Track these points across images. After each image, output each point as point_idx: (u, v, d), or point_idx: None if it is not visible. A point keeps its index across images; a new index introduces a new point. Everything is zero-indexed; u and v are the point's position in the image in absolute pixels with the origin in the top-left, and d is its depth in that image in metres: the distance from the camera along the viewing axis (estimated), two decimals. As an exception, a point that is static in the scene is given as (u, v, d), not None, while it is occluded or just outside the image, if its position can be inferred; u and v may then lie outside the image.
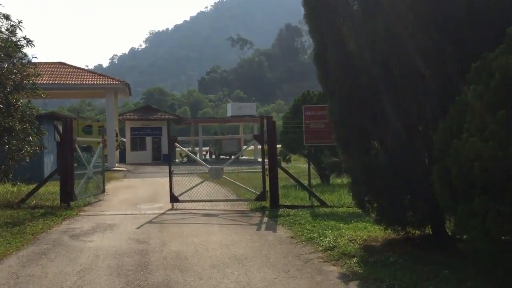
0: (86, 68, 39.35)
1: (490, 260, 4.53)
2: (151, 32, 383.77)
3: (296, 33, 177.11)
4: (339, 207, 11.29)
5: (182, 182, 12.77)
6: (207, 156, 43.66)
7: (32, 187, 14.08)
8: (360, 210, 9.90)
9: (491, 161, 4.13)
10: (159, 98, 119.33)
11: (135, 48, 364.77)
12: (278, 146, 15.15)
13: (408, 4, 6.36)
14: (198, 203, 12.15)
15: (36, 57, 11.44)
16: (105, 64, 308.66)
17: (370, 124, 7.21)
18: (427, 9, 6.20)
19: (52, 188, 14.25)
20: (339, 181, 18.39)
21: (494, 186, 4.29)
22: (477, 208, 4.35)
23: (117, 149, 32.65)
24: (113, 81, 29.70)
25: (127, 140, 39.86)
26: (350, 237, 7.86)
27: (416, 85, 6.94)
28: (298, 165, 23.97)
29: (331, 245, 7.42)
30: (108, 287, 5.62)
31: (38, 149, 11.40)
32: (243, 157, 37.81)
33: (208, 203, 12.16)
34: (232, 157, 39.91)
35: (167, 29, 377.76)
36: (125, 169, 29.32)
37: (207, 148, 47.24)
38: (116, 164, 30.41)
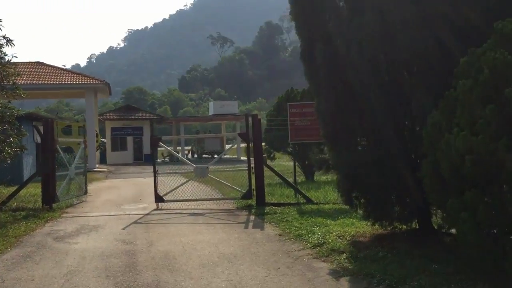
0: (63, 67, 38.67)
1: (480, 253, 4.57)
2: (130, 30, 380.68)
3: (276, 31, 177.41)
4: (325, 204, 11.32)
5: (166, 182, 12.68)
6: (189, 156, 43.44)
7: (12, 189, 13.81)
8: (346, 207, 9.98)
9: (481, 155, 4.16)
10: (139, 98, 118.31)
11: (113, 47, 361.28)
12: (262, 144, 15.11)
13: (395, 0, 6.38)
14: (184, 202, 12.06)
15: (16, 57, 11.21)
16: (83, 63, 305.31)
17: (358, 120, 7.24)
18: (414, 5, 6.23)
19: (33, 190, 13.98)
20: (323, 178, 18.46)
21: (485, 180, 4.33)
22: (468, 201, 4.39)
23: (97, 150, 32.24)
24: (93, 81, 29.33)
25: (107, 140, 39.40)
26: (338, 233, 7.87)
27: (403, 81, 6.99)
28: (281, 162, 23.99)
29: (319, 241, 7.42)
30: (97, 289, 5.52)
31: (18, 150, 11.15)
32: (226, 156, 37.69)
33: (194, 202, 12.08)
34: (215, 156, 40.09)
35: (146, 27, 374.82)
36: (106, 170, 29.00)
37: (189, 148, 47.02)
38: (97, 165, 30.06)
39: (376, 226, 7.58)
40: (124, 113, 40.85)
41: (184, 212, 11.28)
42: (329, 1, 7.44)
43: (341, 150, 7.47)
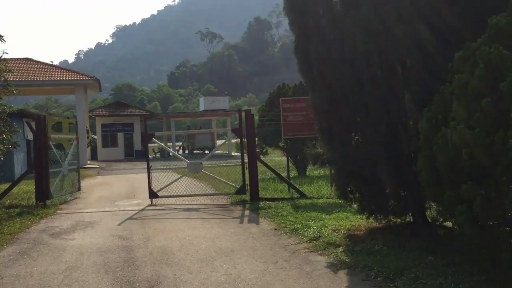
0: (52, 64, 38.35)
1: (476, 244, 4.67)
2: (118, 26, 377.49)
3: (265, 26, 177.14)
4: (319, 198, 11.40)
5: (159, 178, 12.69)
6: (180, 151, 43.37)
7: (3, 186, 13.75)
8: (340, 201, 10.06)
9: (478, 148, 4.25)
10: (128, 94, 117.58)
11: (101, 43, 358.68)
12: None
13: (389, -5, 6.45)
14: (178, 198, 12.07)
15: (7, 53, 11.12)
16: (71, 59, 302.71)
17: (352, 115, 7.31)
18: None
19: (26, 187, 13.92)
20: (316, 172, 18.56)
21: (481, 172, 4.42)
22: (464, 194, 4.47)
23: (88, 146, 32.09)
24: (83, 77, 29.15)
25: (98, 136, 39.21)
26: (334, 227, 7.95)
27: (397, 75, 7.08)
28: (273, 158, 24.03)
29: (315, 235, 7.49)
30: (97, 284, 5.54)
31: (11, 147, 11.09)
32: (218, 152, 37.66)
33: (188, 198, 12.10)
34: (206, 151, 40.07)
35: (134, 23, 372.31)
36: (97, 166, 28.89)
37: (179, 144, 46.93)
38: (88, 161, 29.92)
39: (371, 219, 7.67)
40: (114, 109, 40.69)
41: (179, 207, 11.31)
42: (323, -5, 7.47)
43: (336, 145, 7.54)
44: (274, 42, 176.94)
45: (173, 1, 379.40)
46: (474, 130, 4.29)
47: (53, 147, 12.85)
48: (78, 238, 8.20)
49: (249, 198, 11.59)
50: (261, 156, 18.76)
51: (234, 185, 12.24)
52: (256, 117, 21.97)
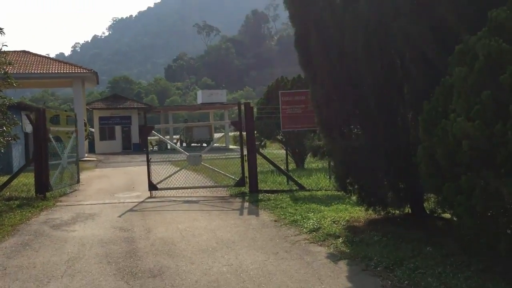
0: (50, 57, 38.23)
1: (475, 234, 4.74)
2: (115, 19, 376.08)
3: (262, 19, 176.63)
4: (318, 191, 11.47)
5: (157, 170, 12.74)
6: (178, 144, 43.39)
7: (2, 179, 13.78)
8: (339, 193, 10.20)
9: (478, 140, 4.31)
10: (125, 87, 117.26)
11: (98, 35, 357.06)
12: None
13: (390, -11, 6.48)
14: (177, 190, 12.13)
15: (6, 45, 11.09)
16: (67, 52, 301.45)
17: (352, 107, 7.37)
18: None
19: (25, 180, 13.93)
20: (314, 165, 18.64)
21: (480, 164, 4.49)
22: (464, 185, 4.54)
23: (86, 139, 32.08)
24: (80, 70, 29.10)
25: (95, 129, 39.20)
26: (333, 218, 8.03)
27: (396, 68, 7.13)
28: (271, 151, 24.10)
29: (315, 227, 7.56)
30: (100, 275, 5.60)
31: (11, 139, 11.11)
32: (215, 145, 37.71)
33: (187, 190, 12.16)
34: (204, 144, 40.08)
35: (131, 16, 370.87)
36: (95, 159, 28.91)
37: (177, 137, 46.95)
38: (86, 154, 29.93)
39: (370, 211, 7.75)
40: (112, 102, 40.64)
41: (178, 199, 11.36)
42: (323, -11, 7.49)
43: (336, 137, 7.60)
44: (271, 35, 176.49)
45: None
46: (474, 122, 4.36)
47: (52, 139, 12.87)
48: (79, 230, 8.25)
49: (248, 190, 11.66)
50: (260, 149, 18.82)
51: (233, 177, 12.30)
52: (254, 110, 22.07)
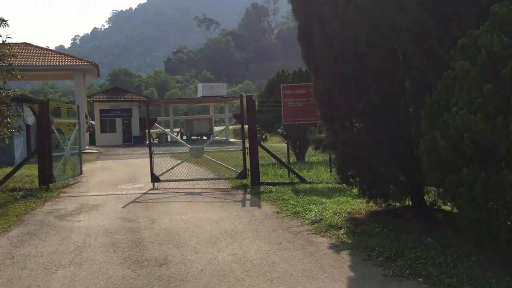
0: (51, 49, 38.18)
1: (476, 226, 4.84)
2: (114, 11, 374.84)
3: (262, 13, 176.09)
4: (319, 183, 11.57)
5: (159, 163, 12.85)
6: (177, 137, 43.44)
7: (4, 170, 13.90)
8: (339, 185, 10.30)
9: (479, 133, 4.41)
10: (125, 80, 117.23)
11: (97, 28, 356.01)
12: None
13: (393, -17, 6.55)
14: (179, 182, 12.25)
15: (10, 37, 11.14)
16: (67, 45, 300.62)
17: (355, 101, 7.45)
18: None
19: (27, 171, 14.02)
20: (314, 158, 18.75)
21: (482, 156, 4.58)
22: (465, 177, 4.64)
23: (87, 131, 32.17)
24: (82, 62, 29.12)
25: (96, 122, 39.28)
26: (334, 210, 8.13)
27: (398, 62, 7.21)
28: (271, 144, 24.21)
29: (317, 218, 7.67)
30: (107, 263, 5.71)
31: (14, 131, 11.20)
32: (215, 137, 37.80)
33: (189, 183, 12.27)
34: (204, 137, 40.15)
35: (131, 8, 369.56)
36: (96, 151, 29.01)
37: (177, 129, 47.02)
38: (87, 147, 30.01)
39: (371, 203, 7.86)
40: (112, 95, 40.71)
41: (181, 191, 11.48)
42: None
43: (338, 130, 7.69)
44: (271, 28, 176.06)
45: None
46: (476, 115, 4.45)
47: (56, 131, 12.95)
48: (84, 220, 8.35)
49: (250, 183, 11.76)
50: (261, 142, 18.92)
51: (235, 170, 12.40)
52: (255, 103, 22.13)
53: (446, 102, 5.06)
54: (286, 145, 16.87)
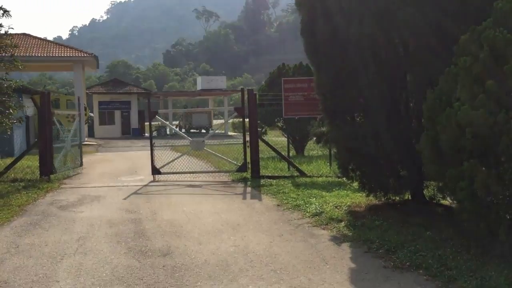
0: (50, 40, 38.11)
1: (475, 219, 4.93)
2: (113, 2, 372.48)
3: (262, 6, 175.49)
4: (318, 177, 11.64)
5: (159, 155, 12.90)
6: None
7: (6, 161, 13.94)
8: (339, 179, 10.39)
9: (481, 128, 4.48)
10: (123, 72, 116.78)
11: (96, 19, 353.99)
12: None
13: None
14: (179, 175, 12.31)
15: (12, 28, 11.13)
16: (65, 36, 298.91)
17: (357, 95, 7.51)
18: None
19: (28, 162, 14.02)
20: (314, 152, 18.82)
21: (482, 151, 4.66)
22: (466, 171, 4.72)
23: (86, 123, 32.18)
24: (81, 54, 29.08)
25: (95, 114, 39.28)
26: (335, 203, 8.21)
27: (400, 57, 7.26)
28: (271, 138, 24.25)
29: (317, 211, 7.75)
30: (111, 253, 5.78)
31: (16, 122, 11.24)
32: (211, 131, 37.86)
33: (190, 175, 12.34)
34: (203, 131, 40.20)
35: (129, 0, 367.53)
36: (95, 143, 29.04)
37: (176, 122, 47.04)
38: (86, 138, 30.02)
39: (371, 197, 7.94)
40: (111, 87, 40.69)
41: (181, 184, 11.55)
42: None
43: (340, 124, 7.76)
44: (270, 22, 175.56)
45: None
46: (478, 110, 4.52)
47: (57, 123, 12.99)
48: (86, 211, 8.42)
49: (250, 176, 11.82)
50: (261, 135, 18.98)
51: (235, 163, 12.47)
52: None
53: (448, 97, 5.12)
54: (285, 138, 16.94)
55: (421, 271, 4.85)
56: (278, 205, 8.59)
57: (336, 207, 7.99)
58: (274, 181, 11.14)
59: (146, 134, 39.82)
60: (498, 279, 4.38)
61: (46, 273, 5.09)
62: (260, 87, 23.01)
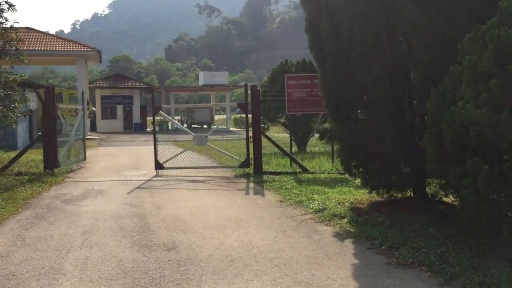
0: (54, 34, 38.12)
1: (478, 216, 4.98)
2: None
3: (264, 1, 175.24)
4: (321, 173, 11.69)
5: (162, 150, 12.93)
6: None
7: (7, 154, 14.01)
8: (341, 176, 10.46)
9: (485, 126, 4.53)
10: (125, 66, 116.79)
11: (98, 13, 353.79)
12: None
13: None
14: (182, 170, 12.37)
15: (17, 22, 11.19)
16: (67, 30, 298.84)
17: (361, 92, 7.55)
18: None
19: (31, 156, 14.14)
20: (316, 149, 18.87)
21: (486, 149, 4.71)
22: (469, 169, 4.76)
23: (88, 118, 32.24)
24: (84, 48, 29.10)
25: (97, 108, 39.34)
26: (337, 200, 8.26)
27: (404, 55, 7.30)
28: (272, 134, 24.32)
29: (320, 207, 7.80)
30: (116, 247, 5.84)
31: (20, 115, 11.30)
32: (214, 126, 37.94)
33: (192, 170, 12.39)
34: (205, 126, 40.28)
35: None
36: (97, 137, 29.12)
37: (178, 117, 47.11)
38: (88, 133, 30.08)
39: (373, 194, 7.99)
40: (114, 81, 40.74)
41: (184, 179, 11.60)
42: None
43: (343, 121, 7.80)
44: (272, 17, 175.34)
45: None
46: (482, 109, 4.57)
47: (61, 116, 13.05)
48: (91, 205, 8.48)
49: (253, 172, 11.88)
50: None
51: (238, 158, 12.52)
52: (257, 93, 22.19)
53: (452, 95, 5.17)
54: (287, 135, 17.01)
55: (423, 267, 4.90)
56: (281, 201, 8.64)
57: (338, 203, 8.04)
58: (277, 177, 11.20)
59: (147, 129, 39.92)
60: (500, 276, 4.43)
61: (52, 266, 5.16)
62: (263, 83, 23.05)
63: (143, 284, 4.60)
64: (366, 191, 8.16)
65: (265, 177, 11.25)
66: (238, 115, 34.32)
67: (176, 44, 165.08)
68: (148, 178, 11.72)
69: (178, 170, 12.32)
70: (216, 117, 49.63)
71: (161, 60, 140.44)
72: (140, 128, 38.84)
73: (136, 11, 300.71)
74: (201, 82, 46.10)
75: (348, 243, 5.94)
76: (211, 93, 49.56)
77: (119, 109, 39.45)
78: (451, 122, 4.95)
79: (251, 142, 12.05)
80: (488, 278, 4.42)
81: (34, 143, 12.96)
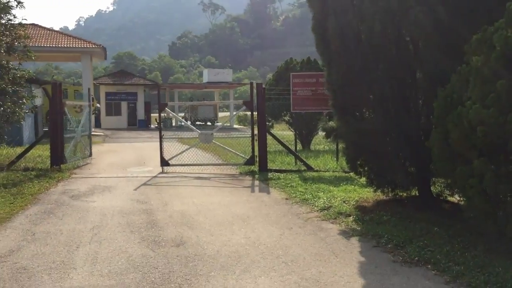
0: (59, 30, 38.22)
1: (484, 216, 5.04)
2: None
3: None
4: (325, 172, 11.75)
5: (167, 147, 12.99)
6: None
7: (14, 150, 14.11)
8: (346, 174, 10.52)
9: (492, 126, 4.58)
10: (129, 63, 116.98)
11: (102, 10, 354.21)
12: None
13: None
14: (187, 167, 12.42)
15: (25, 19, 11.26)
16: (71, 26, 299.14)
17: (367, 91, 7.60)
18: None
19: (38, 152, 14.25)
20: (320, 147, 18.91)
21: (492, 149, 4.76)
22: (476, 169, 4.82)
23: (93, 114, 32.35)
24: (89, 44, 29.19)
25: (101, 105, 39.46)
26: (343, 198, 8.32)
27: (410, 55, 7.34)
28: (276, 132, 24.34)
29: (326, 205, 7.86)
30: (125, 242, 5.92)
31: (28, 111, 11.38)
32: (219, 124, 37.99)
33: (198, 167, 12.46)
34: (208, 123, 40.33)
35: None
36: (102, 134, 29.21)
37: (182, 114, 47.19)
38: (93, 129, 30.20)
39: (378, 192, 8.04)
40: (118, 78, 40.84)
41: (190, 176, 11.68)
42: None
43: (349, 120, 7.85)
44: (276, 15, 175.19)
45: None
46: (489, 109, 4.62)
47: (68, 113, 13.13)
48: (98, 201, 8.57)
49: (258, 169, 11.93)
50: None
51: (243, 156, 12.58)
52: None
53: (459, 95, 5.22)
54: (291, 133, 17.04)
55: (429, 266, 4.96)
56: (286, 199, 8.71)
57: (344, 201, 8.10)
58: (282, 174, 11.25)
59: (151, 126, 40.03)
60: (505, 275, 4.49)
61: (63, 260, 5.24)
62: (267, 81, 23.09)
63: (153, 279, 4.67)
64: (371, 189, 8.21)
65: (270, 174, 11.30)
66: (242, 113, 34.42)
67: (180, 41, 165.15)
68: (153, 175, 11.79)
69: (183, 167, 12.39)
70: (220, 114, 49.69)
71: (165, 57, 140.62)
72: (144, 125, 38.95)
73: (140, 8, 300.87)
74: (205, 79, 46.15)
75: (354, 241, 6.00)
76: (215, 90, 49.61)
77: (124, 106, 39.56)
78: (458, 122, 5.00)
79: (256, 140, 12.11)
80: (493, 277, 4.48)
81: (40, 139, 13.04)
